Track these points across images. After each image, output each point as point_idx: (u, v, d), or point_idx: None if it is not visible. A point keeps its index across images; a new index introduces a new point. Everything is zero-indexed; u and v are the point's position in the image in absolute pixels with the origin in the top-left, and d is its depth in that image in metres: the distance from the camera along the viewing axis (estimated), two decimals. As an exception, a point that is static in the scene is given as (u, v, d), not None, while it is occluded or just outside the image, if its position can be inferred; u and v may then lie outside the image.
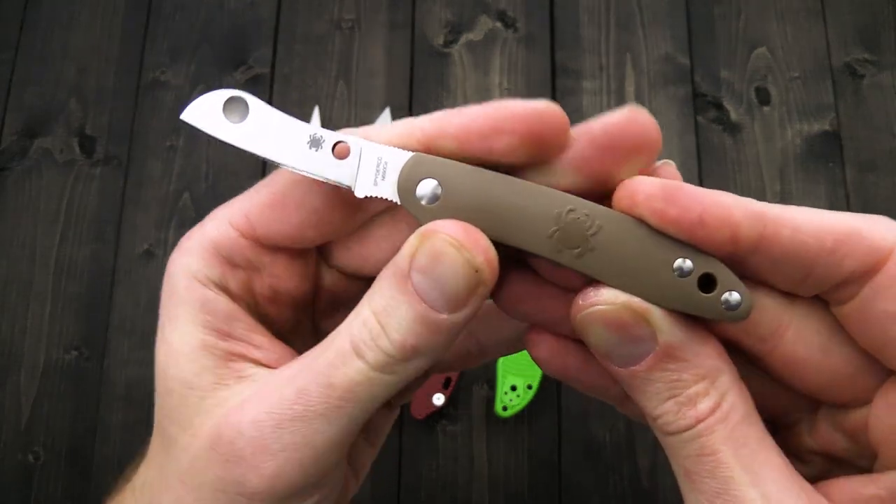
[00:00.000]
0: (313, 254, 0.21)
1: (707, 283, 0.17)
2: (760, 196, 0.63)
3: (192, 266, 0.19)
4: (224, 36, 0.68)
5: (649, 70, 0.67)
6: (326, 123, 0.65)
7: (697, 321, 0.17)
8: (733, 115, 0.65)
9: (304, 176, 0.19)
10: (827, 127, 0.65)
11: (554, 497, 0.57)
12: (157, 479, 0.19)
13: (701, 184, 0.63)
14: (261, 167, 0.64)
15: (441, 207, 0.18)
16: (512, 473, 0.57)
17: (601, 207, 0.18)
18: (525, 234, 0.18)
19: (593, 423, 0.58)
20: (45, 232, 0.63)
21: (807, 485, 0.17)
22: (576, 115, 0.66)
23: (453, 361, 0.24)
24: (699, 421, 0.16)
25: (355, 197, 0.19)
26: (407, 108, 0.65)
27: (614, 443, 0.58)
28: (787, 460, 0.17)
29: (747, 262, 0.17)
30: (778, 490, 0.16)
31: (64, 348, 0.61)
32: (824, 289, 0.17)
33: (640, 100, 0.66)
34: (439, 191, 0.18)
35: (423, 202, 0.18)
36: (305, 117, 0.64)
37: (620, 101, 0.66)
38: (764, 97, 0.66)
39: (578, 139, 0.18)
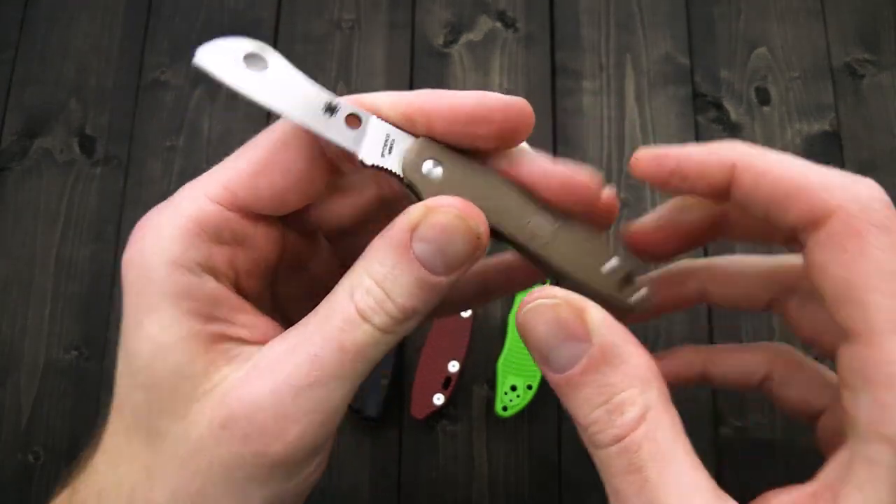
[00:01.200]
0: (279, 219, 0.22)
1: (626, 281, 0.22)
2: (760, 196, 0.63)
3: (172, 251, 0.19)
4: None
5: (649, 70, 0.67)
6: (326, 123, 0.65)
7: (628, 332, 0.19)
8: (733, 115, 0.66)
9: (287, 140, 0.20)
10: (827, 127, 0.65)
11: (554, 497, 0.57)
12: (142, 480, 0.19)
13: (701, 184, 0.64)
14: (261, 167, 0.64)
15: (443, 184, 0.21)
16: (512, 473, 0.57)
17: (559, 211, 0.21)
18: (508, 219, 0.21)
19: (593, 423, 0.58)
20: (45, 232, 0.63)
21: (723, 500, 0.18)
22: (576, 115, 0.66)
23: (471, 298, 0.28)
24: (628, 432, 0.17)
25: (340, 160, 0.21)
26: (407, 108, 0.65)
27: (614, 443, 0.58)
28: (716, 485, 0.18)
29: (726, 198, 0.19)
30: None
31: (64, 348, 0.61)
32: (783, 235, 0.19)
33: (640, 100, 0.66)
34: (439, 171, 0.20)
35: (429, 178, 0.21)
36: (305, 117, 0.65)
37: (620, 101, 0.66)
38: (764, 97, 0.66)
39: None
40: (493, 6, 0.69)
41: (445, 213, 0.19)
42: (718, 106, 0.66)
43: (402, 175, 0.20)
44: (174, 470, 0.19)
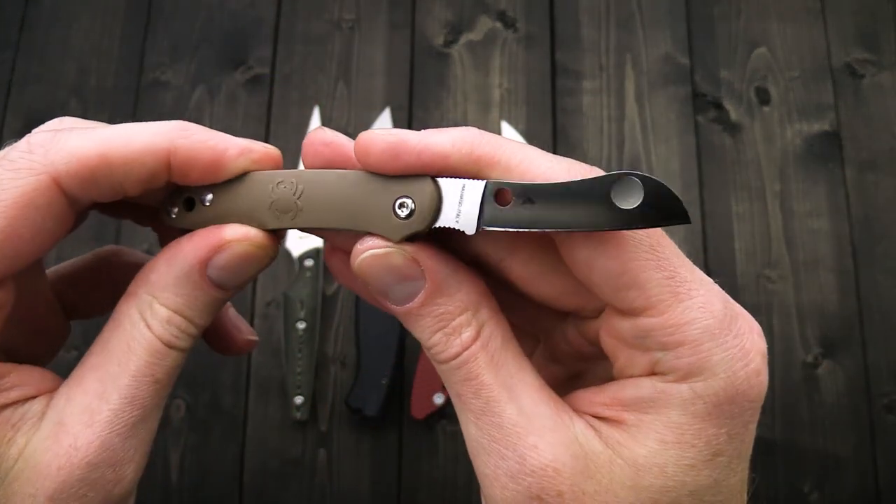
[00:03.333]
0: None
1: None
2: (761, 195, 0.63)
3: None
4: (224, 36, 0.68)
5: (649, 70, 0.67)
6: (326, 123, 0.65)
7: (459, 262, 0.20)
8: (733, 115, 0.65)
9: (36, 200, 0.18)
10: (827, 127, 0.65)
11: (554, 497, 0.57)
12: None
13: (701, 184, 0.64)
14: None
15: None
16: (512, 473, 0.57)
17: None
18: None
19: (593, 423, 0.58)
20: (45, 232, 0.63)
21: (556, 397, 0.20)
22: (576, 115, 0.66)
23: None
24: (464, 349, 0.19)
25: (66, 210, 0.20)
26: (407, 107, 0.65)
27: (614, 443, 0.58)
28: (541, 380, 0.20)
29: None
30: (532, 403, 0.19)
31: (64, 348, 0.60)
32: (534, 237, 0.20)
33: (639, 100, 0.66)
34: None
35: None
36: (305, 117, 0.64)
37: (620, 101, 0.66)
38: (764, 97, 0.66)
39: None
40: (493, 6, 0.69)
41: (240, 244, 0.20)
42: (718, 106, 0.66)
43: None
44: None
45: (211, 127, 0.20)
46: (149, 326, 0.20)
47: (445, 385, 0.20)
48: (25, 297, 0.20)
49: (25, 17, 0.69)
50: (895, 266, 0.62)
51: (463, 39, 0.68)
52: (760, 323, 0.20)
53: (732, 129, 0.65)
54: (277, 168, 0.21)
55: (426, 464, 0.57)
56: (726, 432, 0.18)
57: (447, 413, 0.58)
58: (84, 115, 0.68)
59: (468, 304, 0.20)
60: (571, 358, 0.23)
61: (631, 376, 0.19)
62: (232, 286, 0.20)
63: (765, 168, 0.64)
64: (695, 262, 0.20)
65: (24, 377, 0.19)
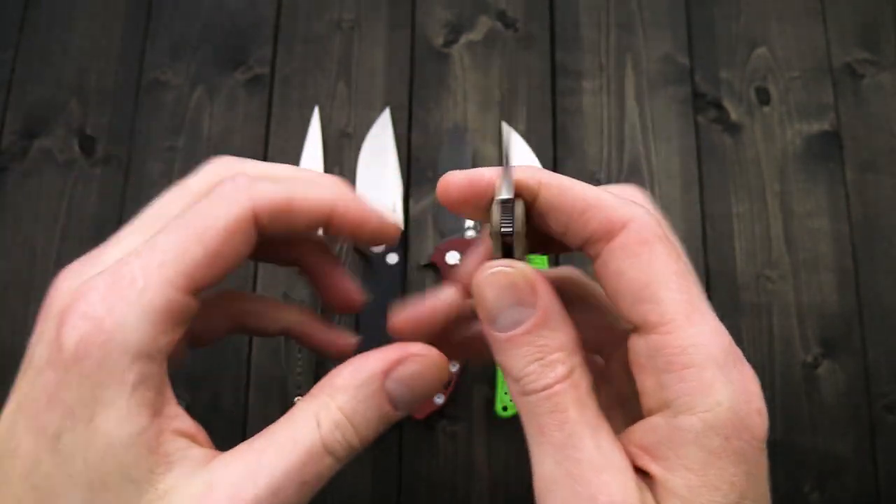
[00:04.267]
0: None
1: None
2: (761, 195, 0.63)
3: (139, 341, 0.19)
4: (224, 36, 0.68)
5: (649, 70, 0.67)
6: (327, 123, 0.65)
7: (563, 305, 0.22)
8: (733, 115, 0.65)
9: (238, 227, 0.21)
10: (827, 127, 0.65)
11: (554, 497, 0.57)
12: None
13: (701, 184, 0.64)
14: (261, 167, 0.64)
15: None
16: (512, 473, 0.57)
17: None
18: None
19: (593, 423, 0.58)
20: (45, 232, 0.63)
21: (619, 443, 0.20)
22: (576, 115, 0.66)
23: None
24: (557, 381, 0.20)
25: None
26: (407, 108, 0.65)
27: (614, 443, 0.58)
28: (610, 428, 0.21)
29: (539, 213, 0.22)
30: (608, 445, 0.19)
31: (64, 348, 0.61)
32: (579, 243, 0.21)
33: (640, 100, 0.66)
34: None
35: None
36: (305, 117, 0.64)
37: (620, 101, 0.66)
38: (764, 97, 0.66)
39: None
40: (493, 6, 0.69)
41: (427, 362, 0.22)
42: (718, 106, 0.66)
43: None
44: None
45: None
46: (319, 426, 0.20)
47: (523, 420, 0.21)
48: None
49: (25, 18, 0.69)
50: (895, 266, 0.62)
51: (463, 39, 0.68)
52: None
53: (732, 129, 0.65)
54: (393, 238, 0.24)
55: (426, 464, 0.57)
56: (744, 472, 0.18)
57: (447, 413, 0.58)
58: (84, 115, 0.69)
59: (566, 344, 0.21)
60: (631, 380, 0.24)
61: (649, 411, 0.20)
62: (404, 405, 0.21)
63: (765, 168, 0.64)
64: (694, 263, 0.20)
65: (180, 413, 0.20)
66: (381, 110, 0.65)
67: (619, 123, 0.65)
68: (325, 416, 0.20)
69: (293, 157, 0.64)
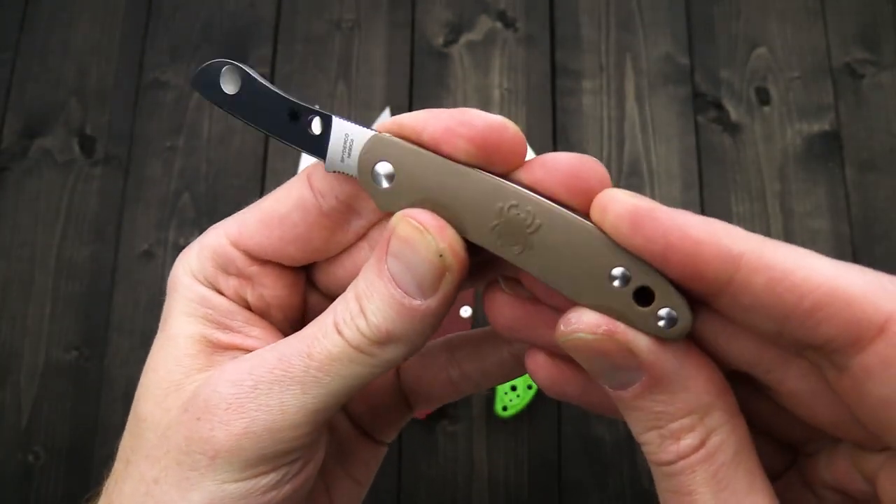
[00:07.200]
0: (302, 273, 0.22)
1: (644, 296, 0.16)
2: (761, 195, 0.63)
3: (192, 267, 0.21)
4: (224, 36, 0.68)
5: (649, 70, 0.67)
6: (326, 123, 0.65)
7: (693, 348, 0.17)
8: (733, 115, 0.65)
9: (299, 203, 0.20)
10: (827, 127, 0.65)
11: (554, 497, 0.57)
12: (120, 469, 0.20)
13: (701, 184, 0.63)
14: (261, 168, 0.64)
15: (393, 189, 0.18)
16: (512, 473, 0.57)
17: (547, 204, 0.17)
18: (469, 225, 0.18)
19: (593, 423, 0.58)
20: (45, 232, 0.63)
21: None
22: (576, 115, 0.66)
23: (440, 393, 0.24)
24: (680, 458, 0.16)
25: (336, 214, 0.20)
26: (407, 107, 0.65)
27: (614, 443, 0.58)
28: (774, 498, 0.16)
29: (718, 300, 0.16)
30: None
31: (64, 348, 0.61)
32: (799, 349, 0.16)
33: (640, 100, 0.66)
34: (389, 170, 0.18)
35: (380, 183, 0.18)
36: (305, 117, 0.65)
37: (620, 101, 0.66)
38: (764, 97, 0.66)
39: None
40: (494, 6, 0.69)
41: (407, 224, 0.18)
42: (718, 106, 0.66)
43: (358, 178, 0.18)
44: (142, 457, 0.19)
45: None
46: (337, 302, 0.20)
47: (656, 486, 0.17)
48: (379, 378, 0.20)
49: (25, 18, 0.69)
50: (895, 266, 0.62)
51: (463, 39, 0.68)
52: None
53: (732, 129, 0.65)
54: (520, 163, 0.18)
55: (426, 464, 0.57)
56: None
57: (447, 413, 0.58)
58: (84, 115, 0.69)
59: (695, 407, 0.16)
60: (829, 490, 0.18)
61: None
62: (412, 288, 0.18)
63: (765, 168, 0.64)
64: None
65: (270, 336, 0.21)
66: (381, 110, 0.65)
67: (619, 123, 0.65)
68: (342, 297, 0.19)
69: (293, 157, 0.64)
